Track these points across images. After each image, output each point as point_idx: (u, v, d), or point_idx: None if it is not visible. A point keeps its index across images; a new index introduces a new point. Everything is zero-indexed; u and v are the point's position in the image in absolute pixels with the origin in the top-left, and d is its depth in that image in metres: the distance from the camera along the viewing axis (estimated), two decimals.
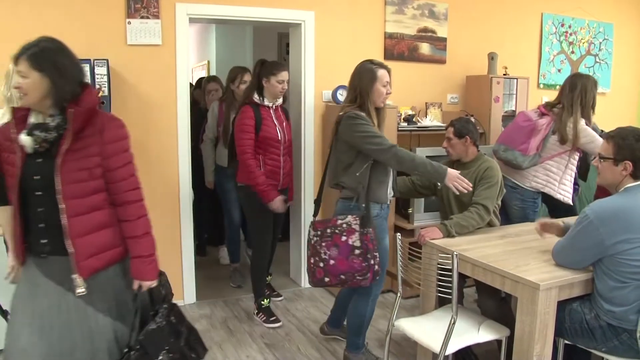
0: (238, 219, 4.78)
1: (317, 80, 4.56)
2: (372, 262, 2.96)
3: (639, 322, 2.40)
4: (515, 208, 3.97)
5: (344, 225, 2.99)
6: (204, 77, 6.00)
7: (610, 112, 6.35)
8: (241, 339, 3.78)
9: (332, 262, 2.97)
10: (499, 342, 2.84)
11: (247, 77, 4.38)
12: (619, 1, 6.28)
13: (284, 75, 3.84)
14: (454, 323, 2.61)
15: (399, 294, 3.00)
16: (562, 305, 2.59)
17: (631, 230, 2.40)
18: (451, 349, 2.62)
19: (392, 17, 4.81)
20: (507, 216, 4.00)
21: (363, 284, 3.00)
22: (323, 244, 3.01)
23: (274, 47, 7.00)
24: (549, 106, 3.96)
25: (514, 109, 5.12)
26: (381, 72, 3.07)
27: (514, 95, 5.13)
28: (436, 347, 2.63)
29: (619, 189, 2.57)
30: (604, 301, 2.50)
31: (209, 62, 7.88)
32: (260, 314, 4.03)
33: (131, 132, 3.86)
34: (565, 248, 2.62)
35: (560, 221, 2.98)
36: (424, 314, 3.09)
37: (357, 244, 2.95)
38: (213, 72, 7.64)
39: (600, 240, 2.43)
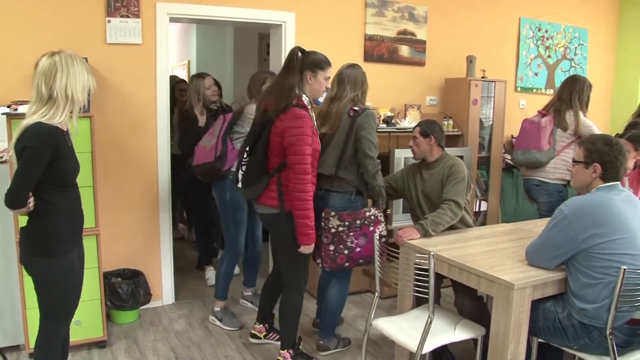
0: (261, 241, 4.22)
1: None
2: None
3: (608, 320, 2.46)
4: (543, 203, 4.36)
5: (372, 217, 3.35)
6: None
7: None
8: (219, 339, 3.78)
9: (358, 249, 3.31)
10: (475, 341, 2.89)
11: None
12: (593, 8, 6.40)
13: (330, 71, 3.17)
14: (430, 322, 2.64)
15: (376, 294, 3.02)
16: (535, 304, 2.64)
17: (601, 225, 2.49)
18: (428, 347, 2.65)
19: (372, 19, 4.85)
20: (538, 211, 4.44)
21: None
22: (351, 233, 3.28)
23: (255, 48, 7.00)
24: (547, 107, 4.47)
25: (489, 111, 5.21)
26: None
27: (492, 98, 5.20)
28: (413, 346, 2.66)
29: (590, 189, 2.69)
30: (576, 299, 2.56)
31: (189, 61, 7.85)
32: None
33: (110, 131, 3.91)
34: (539, 246, 2.69)
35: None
36: (401, 314, 3.12)
37: (384, 233, 3.38)
38: (193, 72, 7.61)
39: (574, 235, 2.52)
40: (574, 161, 2.76)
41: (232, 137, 3.80)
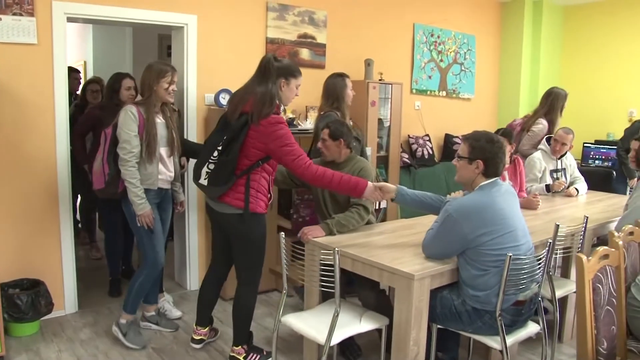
0: None
1: (199, 83, 4.58)
2: None
3: (497, 304, 2.70)
4: None
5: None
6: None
7: (475, 116, 6.92)
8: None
9: (307, 218, 4.04)
10: (379, 331, 3.05)
11: (177, 78, 3.62)
12: (480, 16, 6.87)
13: (301, 79, 3.29)
14: (337, 315, 2.77)
15: (284, 291, 3.11)
16: (433, 293, 2.84)
17: (488, 224, 2.71)
18: (335, 339, 2.77)
19: (273, 22, 4.94)
20: None
21: None
22: (302, 205, 4.15)
23: (155, 49, 6.89)
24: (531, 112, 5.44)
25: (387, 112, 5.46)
26: None
27: (389, 100, 5.45)
28: (321, 339, 2.77)
29: (474, 186, 2.88)
30: (468, 288, 2.78)
31: (85, 62, 7.59)
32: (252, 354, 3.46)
33: (4, 135, 3.75)
34: (432, 242, 2.87)
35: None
36: (308, 309, 3.23)
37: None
38: (90, 72, 7.39)
39: (464, 234, 2.72)
40: (459, 156, 2.91)
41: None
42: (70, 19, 4.00)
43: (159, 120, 3.59)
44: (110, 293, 4.60)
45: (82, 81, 6.20)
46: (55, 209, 4.03)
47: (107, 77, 4.63)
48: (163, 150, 3.62)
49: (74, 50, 8.01)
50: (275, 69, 3.12)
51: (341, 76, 4.23)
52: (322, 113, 4.18)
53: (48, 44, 3.85)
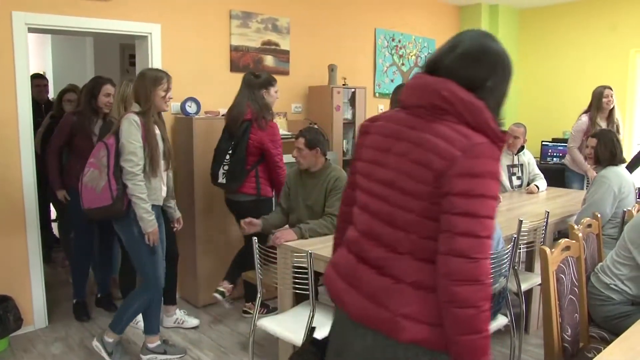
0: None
1: None
2: None
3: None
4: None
5: None
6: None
7: None
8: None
9: None
10: None
11: (172, 84, 3.48)
12: (439, 20, 7.04)
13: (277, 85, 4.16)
14: (313, 316, 2.82)
15: (258, 295, 3.15)
16: None
17: None
18: None
19: (237, 30, 4.97)
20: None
21: None
22: None
23: (116, 58, 6.84)
24: None
25: (351, 116, 5.54)
26: None
27: (353, 104, 5.54)
28: (298, 340, 2.81)
29: None
30: None
31: (44, 72, 7.45)
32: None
33: None
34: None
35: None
36: (282, 312, 3.27)
37: None
38: (50, 83, 7.26)
39: None
40: None
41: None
42: (31, 30, 3.96)
43: (157, 131, 3.37)
44: (78, 317, 4.27)
45: (50, 88, 5.97)
46: (22, 224, 3.97)
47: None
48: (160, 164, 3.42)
49: (32, 60, 7.84)
50: (256, 84, 3.96)
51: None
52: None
53: (9, 54, 3.80)
